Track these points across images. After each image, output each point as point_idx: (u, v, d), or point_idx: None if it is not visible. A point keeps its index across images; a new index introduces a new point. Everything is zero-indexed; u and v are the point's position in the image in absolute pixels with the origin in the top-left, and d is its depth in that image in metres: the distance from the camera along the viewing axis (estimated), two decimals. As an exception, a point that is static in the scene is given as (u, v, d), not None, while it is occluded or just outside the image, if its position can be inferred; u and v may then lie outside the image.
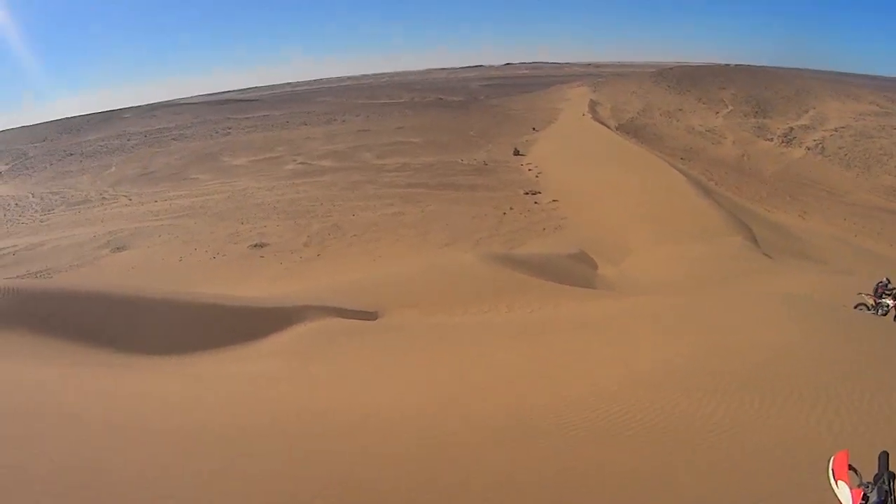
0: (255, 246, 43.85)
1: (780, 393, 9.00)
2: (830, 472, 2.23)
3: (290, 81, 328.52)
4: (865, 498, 2.19)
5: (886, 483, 2.19)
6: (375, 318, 23.58)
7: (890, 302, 20.81)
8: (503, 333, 18.71)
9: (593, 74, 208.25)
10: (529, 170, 70.75)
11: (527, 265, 30.35)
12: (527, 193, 59.96)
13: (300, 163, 75.66)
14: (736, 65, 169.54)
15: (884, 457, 2.30)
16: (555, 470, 7.40)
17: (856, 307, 21.34)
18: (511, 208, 54.43)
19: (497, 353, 15.84)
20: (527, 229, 48.89)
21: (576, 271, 33.69)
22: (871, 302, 21.27)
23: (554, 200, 57.41)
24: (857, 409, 8.31)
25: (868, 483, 2.23)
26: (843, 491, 2.18)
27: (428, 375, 14.23)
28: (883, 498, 2.15)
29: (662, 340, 13.63)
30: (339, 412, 10.83)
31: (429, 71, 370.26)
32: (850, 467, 2.20)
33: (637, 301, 21.77)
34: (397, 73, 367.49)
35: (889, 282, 21.44)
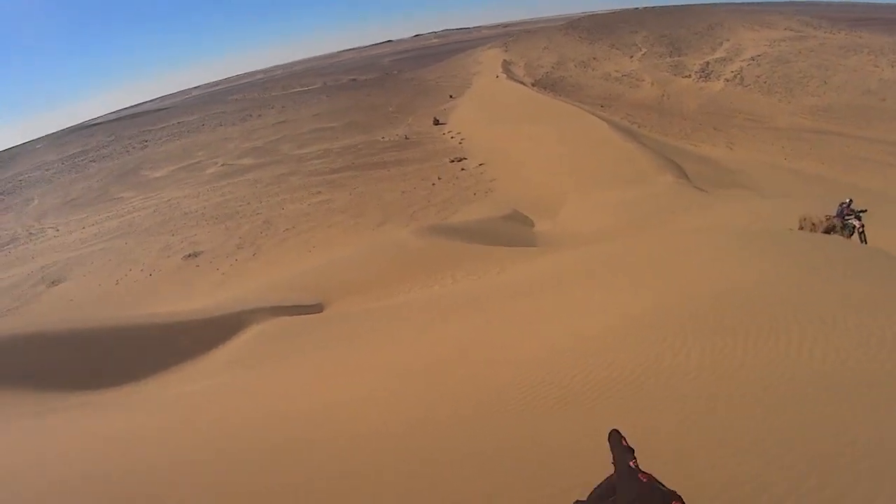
0: (190, 256, 43.20)
1: (755, 332, 8.59)
2: None
3: (198, 84, 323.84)
4: None
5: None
6: (321, 310, 23.34)
7: (855, 222, 21.17)
8: (451, 306, 18.26)
9: (503, 35, 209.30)
10: (452, 137, 71.04)
11: (464, 233, 30.38)
12: (453, 161, 60.16)
13: (221, 165, 74.78)
14: (644, 7, 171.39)
15: None
16: (521, 438, 7.03)
17: (825, 232, 21.71)
18: (439, 178, 54.64)
19: (445, 330, 15.41)
20: (458, 197, 49.00)
21: (513, 232, 33.87)
22: (838, 223, 21.56)
23: (481, 164, 57.68)
24: (837, 338, 8.06)
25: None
26: None
27: (378, 364, 13.72)
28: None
29: (622, 291, 13.21)
30: (288, 424, 10.42)
31: (339, 53, 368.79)
32: None
33: (584, 252, 21.28)
34: (308, 59, 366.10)
35: (851, 202, 21.64)
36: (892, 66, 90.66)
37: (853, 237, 20.83)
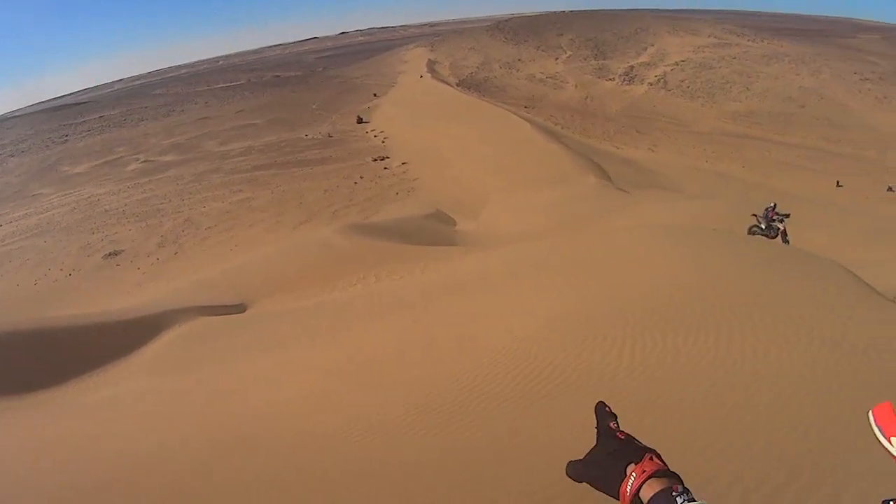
0: (110, 255, 42.43)
1: (697, 328, 8.55)
2: (876, 429, 1.86)
3: (122, 78, 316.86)
4: None
5: None
6: (244, 310, 23.21)
7: (779, 226, 22.47)
8: (375, 308, 17.95)
9: (429, 34, 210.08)
10: (375, 136, 71.14)
11: (386, 232, 30.49)
12: (375, 160, 60.28)
13: (143, 161, 73.49)
14: (572, 10, 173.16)
15: None
16: (461, 439, 6.91)
17: (750, 230, 22.87)
18: (361, 177, 54.66)
19: (372, 330, 15.23)
20: (380, 196, 49.08)
21: (435, 231, 34.05)
22: (763, 225, 22.79)
23: (403, 163, 57.92)
24: (767, 335, 8.01)
25: None
26: None
27: (309, 364, 13.56)
28: None
29: (551, 290, 12.97)
30: (217, 425, 10.26)
31: (263, 49, 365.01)
32: None
33: (509, 252, 21.10)
34: (233, 55, 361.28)
35: (776, 206, 22.74)
36: (812, 75, 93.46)
37: (776, 239, 22.08)
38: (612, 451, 1.81)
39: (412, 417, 7.85)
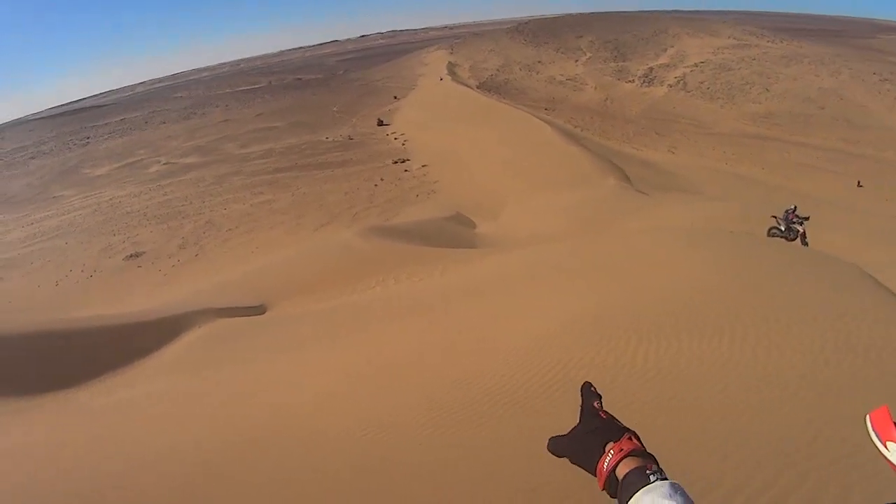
0: (131, 256, 42.59)
1: (712, 331, 8.54)
2: (872, 434, 1.84)
3: (144, 80, 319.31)
4: None
5: None
6: (263, 312, 23.16)
7: (799, 228, 22.36)
8: (394, 310, 18.00)
9: (450, 37, 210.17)
10: (396, 139, 71.02)
11: (406, 234, 30.41)
12: (395, 162, 60.19)
13: (164, 163, 73.68)
14: (591, 13, 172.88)
15: None
16: (480, 440, 6.94)
17: (769, 232, 22.82)
18: (382, 179, 54.53)
19: (391, 333, 15.12)
20: (400, 198, 48.91)
21: (455, 233, 33.88)
22: (783, 227, 22.69)
23: (424, 166, 57.79)
24: (782, 339, 8.01)
25: None
26: None
27: (327, 367, 13.43)
28: None
29: (569, 291, 13.00)
30: (233, 427, 10.21)
31: (284, 52, 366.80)
32: None
33: (529, 253, 21.27)
34: (254, 58, 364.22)
35: (796, 208, 22.72)
36: (832, 76, 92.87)
37: (796, 241, 21.97)
38: (593, 429, 1.88)
39: (424, 418, 7.89)
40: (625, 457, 1.71)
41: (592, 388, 2.10)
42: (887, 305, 9.62)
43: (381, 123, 79.41)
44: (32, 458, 11.20)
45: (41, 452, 11.53)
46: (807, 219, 22.40)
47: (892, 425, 1.84)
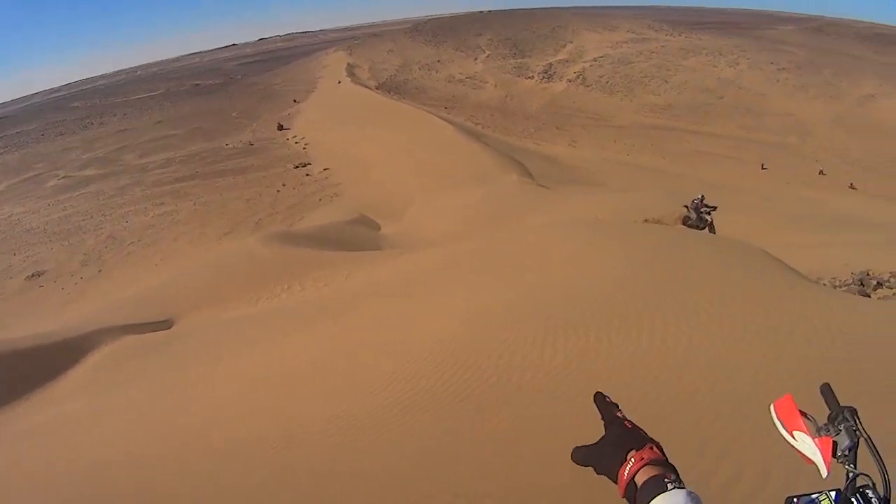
0: (32, 276, 41.58)
1: (620, 323, 8.53)
2: (778, 423, 1.92)
3: (38, 91, 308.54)
4: (834, 444, 1.82)
5: (849, 420, 1.86)
6: (170, 326, 23.04)
7: (707, 217, 23.44)
8: (301, 315, 18.03)
9: (348, 38, 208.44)
10: (296, 143, 71.05)
11: (310, 239, 30.51)
12: (297, 167, 60.27)
13: (62, 177, 71.80)
14: (490, 10, 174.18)
15: (828, 390, 2.02)
16: (389, 444, 6.92)
17: (684, 221, 23.83)
18: (284, 185, 54.62)
19: (298, 340, 14.83)
20: (303, 203, 49.17)
21: (359, 236, 34.10)
22: (693, 216, 23.70)
23: (325, 169, 57.99)
24: (692, 327, 8.08)
25: (824, 425, 1.88)
26: (804, 442, 1.84)
27: (234, 377, 13.34)
28: (855, 440, 1.82)
29: (475, 290, 12.82)
30: (145, 444, 10.12)
31: (182, 57, 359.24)
32: (802, 413, 1.91)
33: (433, 253, 21.33)
34: (151, 64, 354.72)
35: (703, 197, 23.25)
36: (730, 66, 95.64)
37: (705, 230, 22.93)
38: (617, 438, 1.94)
39: (335, 429, 7.81)
40: (645, 465, 1.79)
41: (607, 399, 2.15)
42: (795, 287, 10.02)
43: (281, 128, 78.99)
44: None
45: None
46: (714, 208, 22.93)
47: (798, 414, 1.90)
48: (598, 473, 1.93)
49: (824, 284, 12.81)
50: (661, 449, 1.88)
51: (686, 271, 10.85)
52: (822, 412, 1.96)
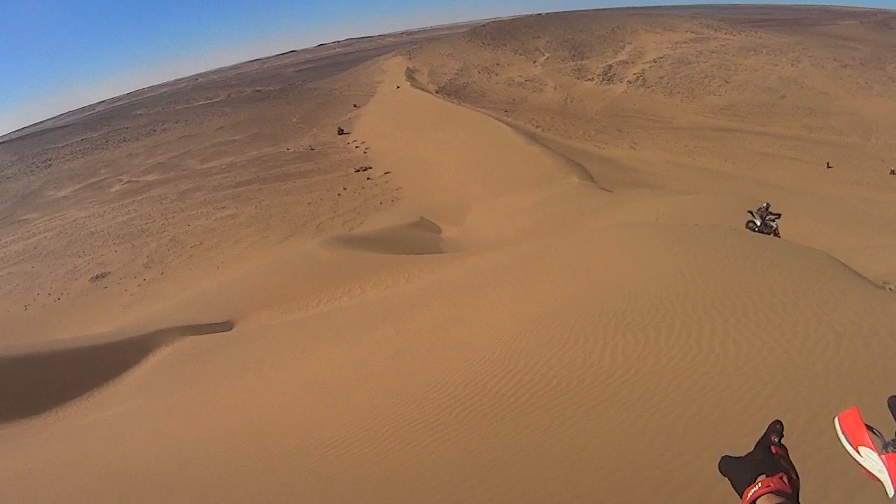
0: (97, 278, 42.28)
1: (681, 325, 8.51)
2: (842, 437, 1.82)
3: (103, 100, 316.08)
4: None
5: None
6: (231, 328, 23.02)
7: (773, 224, 22.93)
8: (363, 318, 17.74)
9: (407, 43, 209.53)
10: (357, 147, 71.16)
11: (371, 242, 30.42)
12: (358, 171, 60.31)
13: (126, 182, 73.05)
14: (547, 13, 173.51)
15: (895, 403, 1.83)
16: (450, 451, 6.73)
17: (747, 225, 23.05)
18: (345, 188, 54.65)
19: (357, 343, 14.78)
20: (364, 206, 49.06)
21: (420, 239, 34.01)
22: (758, 223, 23.25)
23: (386, 173, 57.90)
24: (750, 330, 7.94)
25: (892, 441, 1.73)
26: (870, 458, 1.73)
27: (293, 383, 13.32)
28: None
29: (537, 292, 12.76)
30: (200, 448, 10.18)
31: (242, 64, 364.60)
32: (869, 427, 1.78)
33: (494, 256, 20.77)
34: (212, 71, 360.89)
35: (769, 206, 23.16)
36: (792, 64, 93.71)
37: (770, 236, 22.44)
38: (756, 459, 1.92)
39: (390, 436, 7.73)
40: (769, 492, 1.77)
41: (778, 426, 2.06)
42: (859, 291, 9.68)
43: (341, 132, 79.45)
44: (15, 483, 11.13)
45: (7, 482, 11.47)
46: (779, 216, 22.84)
47: (864, 428, 1.81)
48: (732, 487, 1.92)
49: (890, 289, 12.00)
50: (792, 482, 1.83)
51: (748, 275, 10.67)
52: (889, 426, 1.79)
